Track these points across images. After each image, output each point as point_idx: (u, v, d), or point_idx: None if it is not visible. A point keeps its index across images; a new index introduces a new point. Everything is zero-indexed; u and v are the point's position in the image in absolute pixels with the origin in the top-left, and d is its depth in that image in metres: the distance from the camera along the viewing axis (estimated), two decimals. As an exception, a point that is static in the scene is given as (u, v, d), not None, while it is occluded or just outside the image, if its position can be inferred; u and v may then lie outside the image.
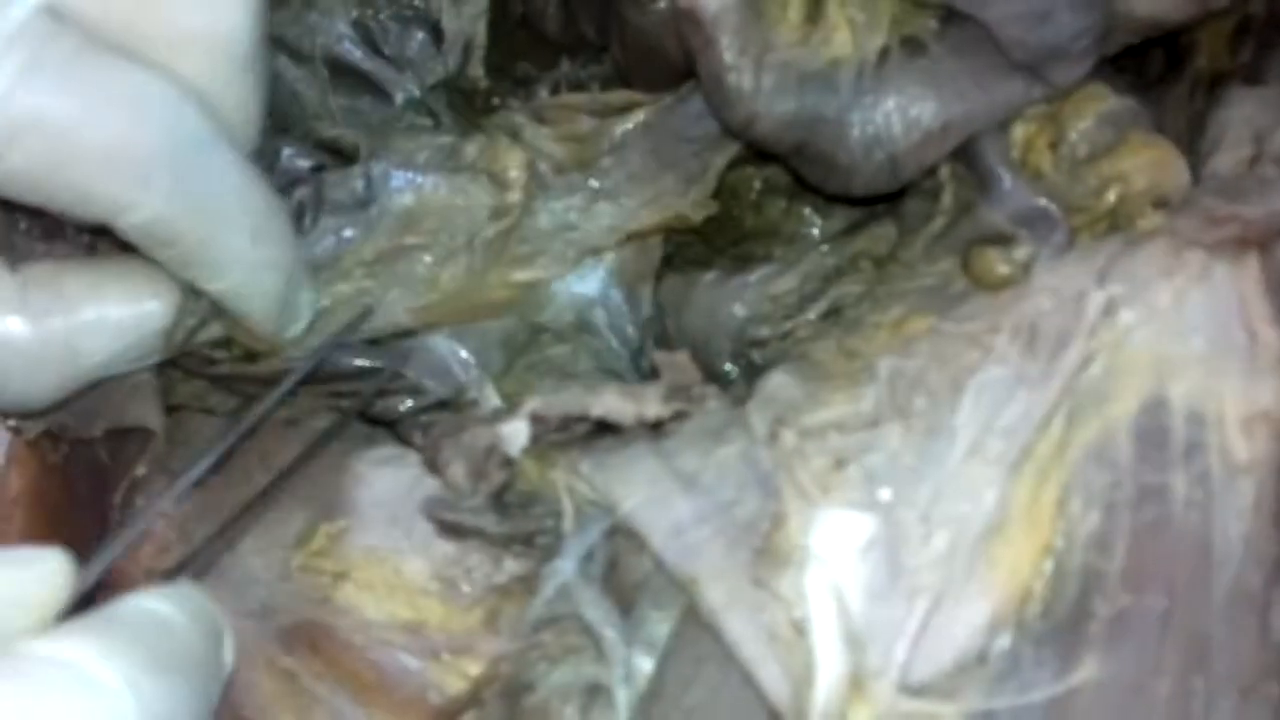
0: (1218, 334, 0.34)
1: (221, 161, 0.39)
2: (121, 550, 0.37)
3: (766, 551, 0.35)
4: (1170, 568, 0.32)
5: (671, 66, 0.48)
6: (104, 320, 0.40)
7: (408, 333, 0.47)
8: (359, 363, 0.45)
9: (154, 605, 0.34)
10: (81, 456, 0.46)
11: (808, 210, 0.52)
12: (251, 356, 0.44)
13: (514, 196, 0.46)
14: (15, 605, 0.32)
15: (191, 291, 0.41)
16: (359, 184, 0.46)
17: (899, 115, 0.44)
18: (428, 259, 0.46)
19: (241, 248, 0.40)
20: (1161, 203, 0.43)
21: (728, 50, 0.44)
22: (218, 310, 0.42)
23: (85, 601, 0.34)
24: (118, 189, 0.36)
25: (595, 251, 0.48)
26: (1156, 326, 0.35)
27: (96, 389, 0.44)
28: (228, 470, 0.44)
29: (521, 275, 0.47)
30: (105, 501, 0.46)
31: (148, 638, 0.33)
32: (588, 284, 0.48)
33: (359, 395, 0.45)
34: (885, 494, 0.35)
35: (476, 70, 0.55)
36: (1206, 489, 0.33)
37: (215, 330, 0.43)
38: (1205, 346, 0.34)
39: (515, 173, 0.46)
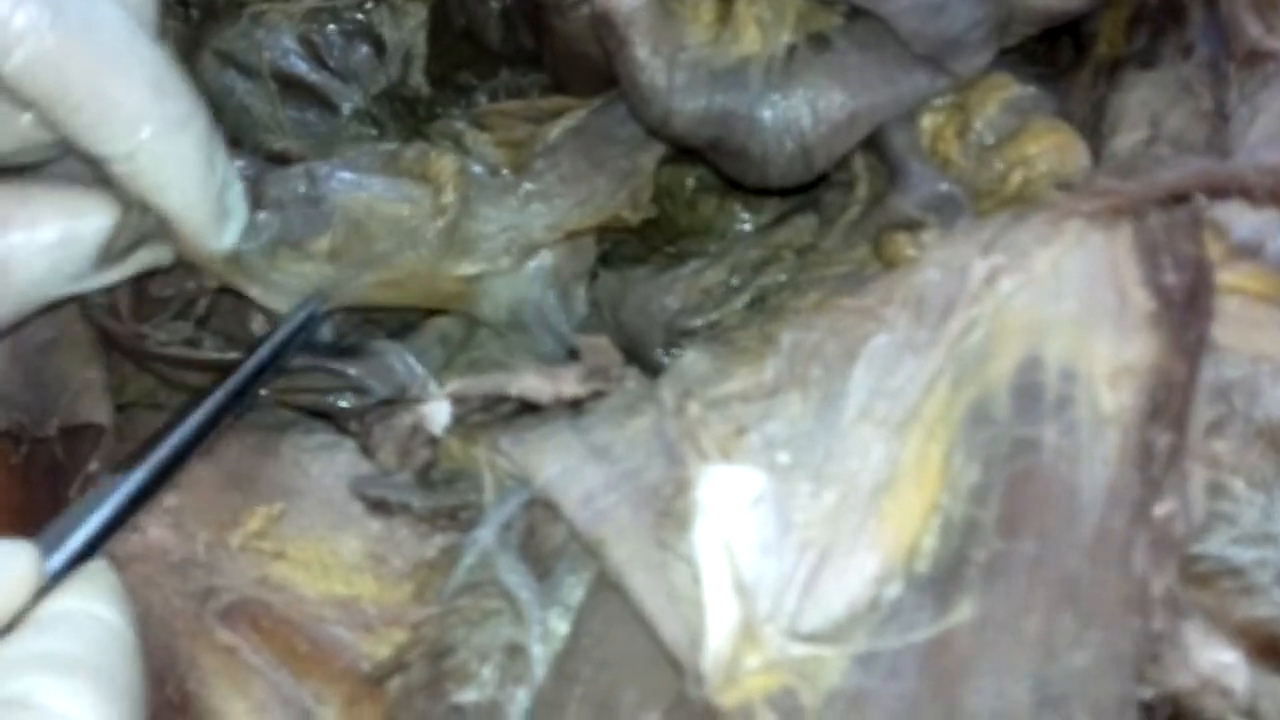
0: (1090, 296, 0.36)
1: (105, 2, 0.38)
2: (81, 545, 0.38)
3: (669, 514, 0.37)
4: (1041, 513, 0.34)
5: (598, 71, 0.50)
6: (34, 238, 0.40)
7: (365, 324, 0.49)
8: (306, 362, 0.47)
9: (98, 611, 0.35)
10: (40, 456, 0.47)
11: (738, 207, 0.54)
12: (192, 342, 0.45)
13: (448, 197, 0.48)
14: None
15: (131, 206, 0.41)
16: (300, 183, 0.47)
17: (808, 108, 0.46)
18: (382, 249, 0.47)
19: (142, 100, 0.38)
20: (1064, 185, 0.44)
21: (641, 49, 0.46)
22: (154, 226, 0.42)
23: None
24: None
25: (535, 247, 0.49)
26: (1034, 291, 0.37)
27: (47, 388, 0.45)
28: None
29: (467, 269, 0.48)
30: (62, 499, 0.46)
31: (101, 659, 0.34)
32: (523, 283, 0.50)
33: (306, 391, 0.47)
34: (783, 458, 0.37)
35: (418, 79, 0.57)
36: (1075, 439, 0.35)
37: (155, 254, 0.43)
38: (1078, 308, 0.36)
39: (447, 177, 0.48)
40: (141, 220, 0.42)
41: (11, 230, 0.39)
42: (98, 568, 0.37)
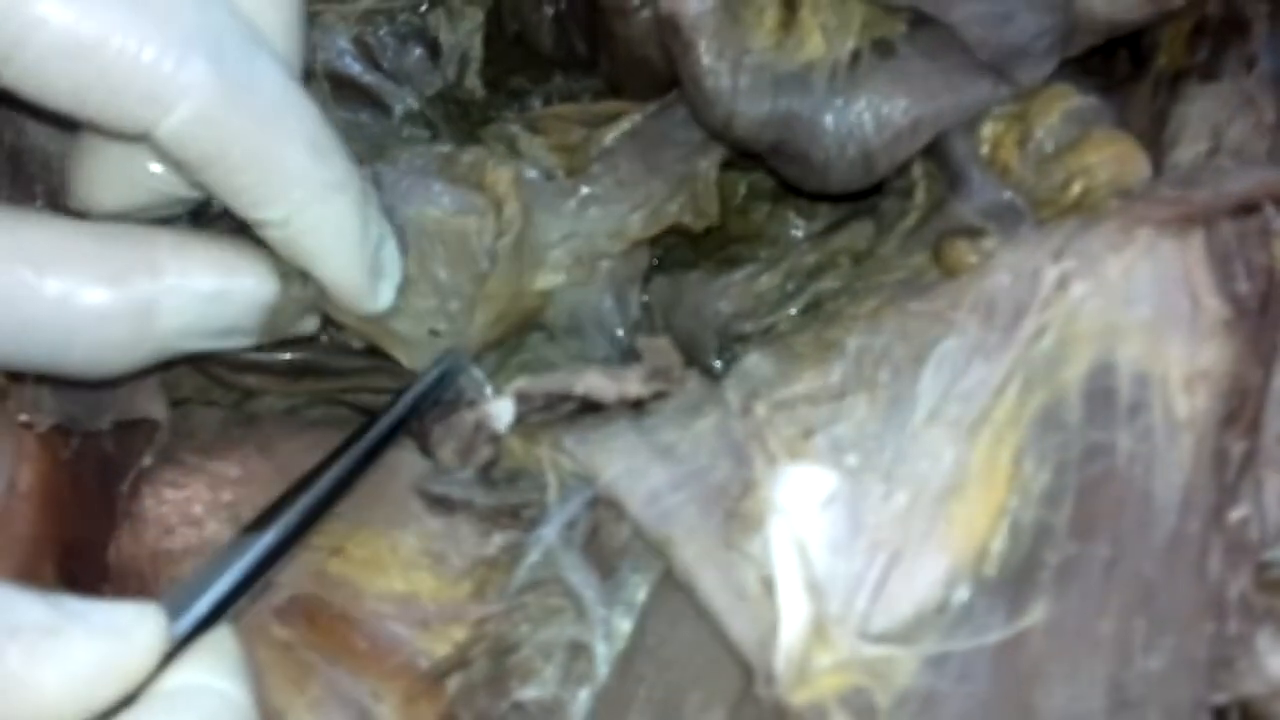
0: (1163, 302, 0.36)
1: (266, 61, 0.36)
2: (208, 610, 0.36)
3: (737, 515, 0.37)
4: (1115, 518, 0.34)
5: (657, 75, 0.51)
6: (187, 286, 0.38)
7: None
8: (364, 364, 0.47)
9: (223, 688, 0.33)
10: (90, 451, 0.47)
11: (791, 213, 0.54)
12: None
13: (510, 210, 0.48)
14: (105, 677, 0.31)
15: (291, 276, 0.40)
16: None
17: (871, 114, 0.46)
18: (463, 280, 0.47)
19: (299, 163, 0.37)
20: (1124, 195, 0.44)
21: (706, 53, 0.46)
22: (316, 296, 0.41)
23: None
24: (148, 79, 0.33)
25: (601, 256, 0.49)
26: (1106, 297, 0.37)
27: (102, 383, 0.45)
28: (228, 456, 0.46)
29: (544, 282, 0.48)
30: (112, 494, 0.47)
31: None
32: (583, 287, 0.50)
33: (364, 390, 0.47)
34: (851, 460, 0.37)
35: (473, 82, 0.57)
36: (1149, 444, 0.35)
37: (309, 322, 0.42)
38: (1151, 314, 0.36)
39: (504, 188, 0.48)
40: (303, 291, 0.41)
41: (165, 275, 0.38)
42: (222, 637, 0.35)
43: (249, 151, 0.35)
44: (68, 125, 0.39)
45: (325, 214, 0.38)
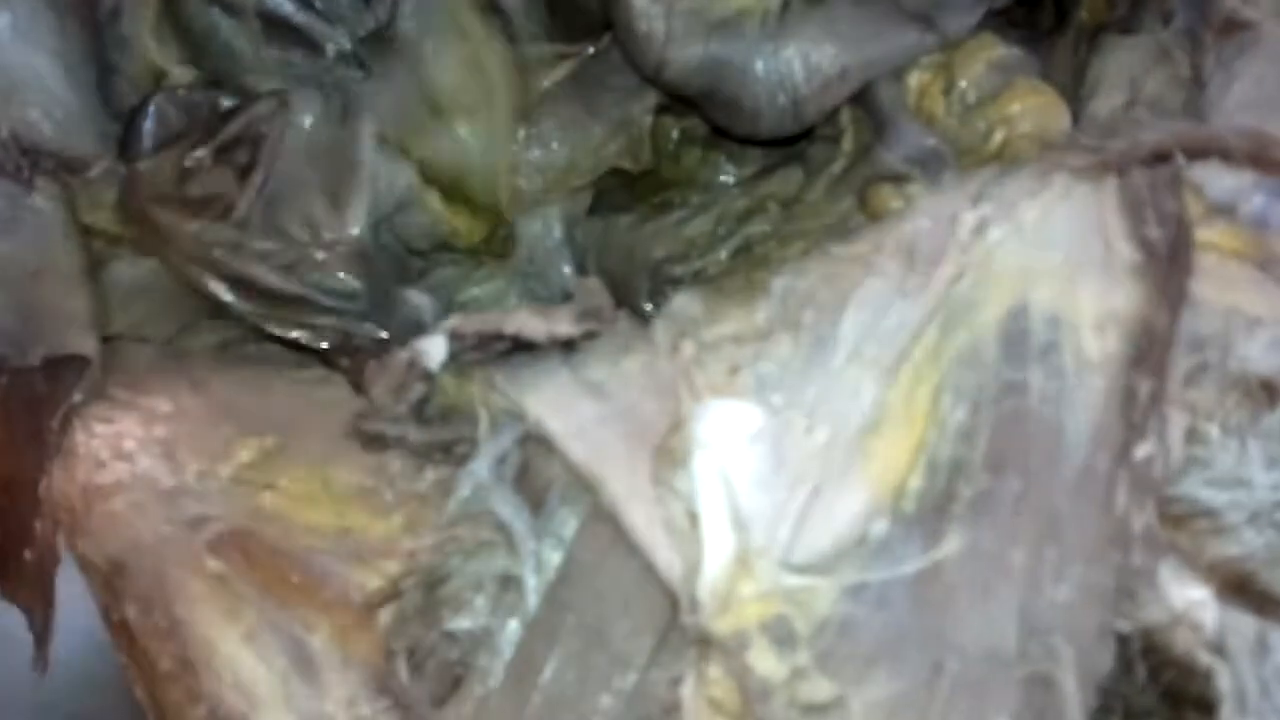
0: (1077, 247, 0.38)
1: None
2: None
3: (664, 450, 0.38)
4: (1026, 453, 0.35)
5: (591, 19, 0.51)
6: None
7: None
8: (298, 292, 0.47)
9: None
10: (20, 387, 0.47)
11: (722, 159, 0.55)
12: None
13: None
14: None
15: None
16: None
17: (801, 61, 0.47)
18: None
19: None
20: (1045, 145, 0.46)
21: (640, -2, 0.46)
22: None
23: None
24: None
25: (540, 203, 0.50)
26: (1021, 241, 0.38)
27: (31, 317, 0.45)
28: (160, 391, 0.46)
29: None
30: (42, 430, 0.46)
31: None
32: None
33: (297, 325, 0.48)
34: (776, 398, 0.38)
35: (406, 25, 0.56)
36: (1061, 383, 0.36)
37: None
38: (1064, 258, 0.37)
39: None
40: None
41: None
42: None
43: None
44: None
45: None
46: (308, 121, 0.49)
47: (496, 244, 0.52)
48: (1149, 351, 0.36)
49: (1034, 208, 0.38)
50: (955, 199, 0.39)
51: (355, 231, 0.47)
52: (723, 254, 0.52)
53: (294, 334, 0.47)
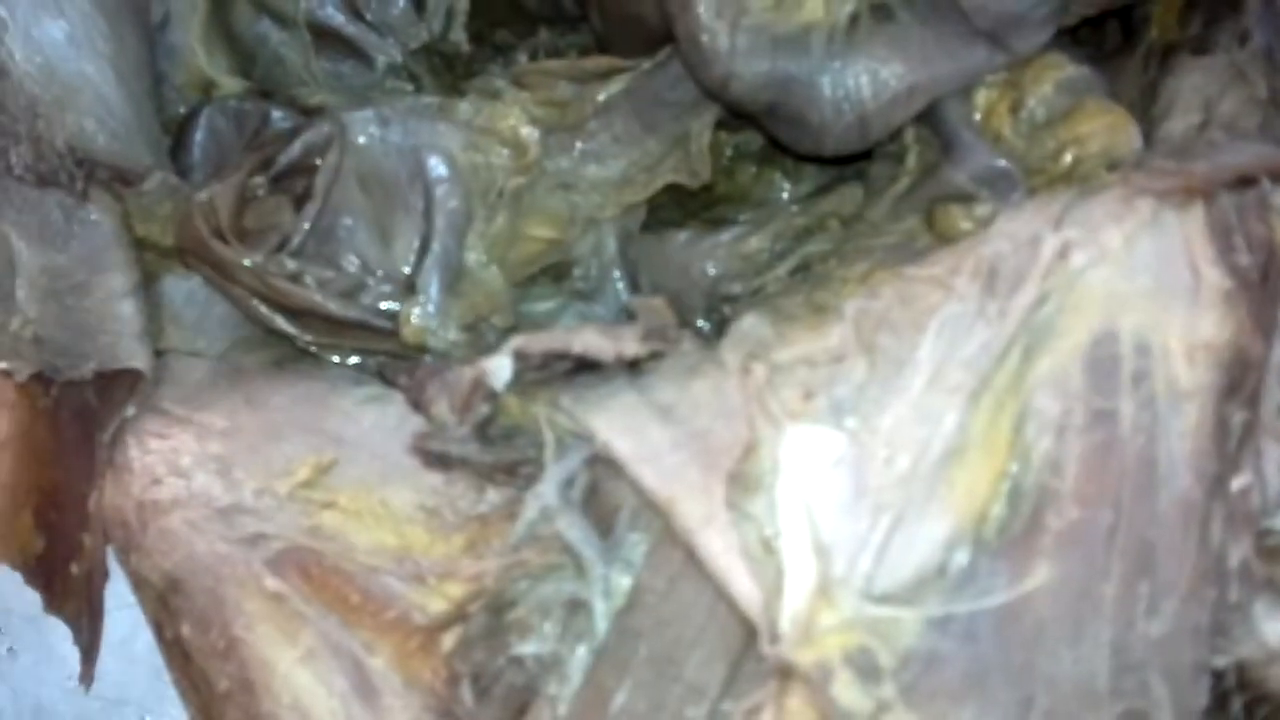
0: (1164, 273, 0.37)
1: None
2: None
3: (738, 476, 0.37)
4: (1118, 484, 0.35)
5: (649, 32, 0.50)
6: None
7: None
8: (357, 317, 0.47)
9: None
10: (71, 399, 0.46)
11: (778, 175, 0.54)
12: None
13: (533, 154, 0.48)
14: None
15: None
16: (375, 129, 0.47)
17: (868, 78, 0.46)
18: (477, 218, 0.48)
19: None
20: (1115, 165, 0.45)
21: (705, 12, 0.46)
22: None
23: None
24: None
25: (595, 221, 0.49)
26: (1107, 267, 0.37)
27: (82, 329, 0.45)
28: (215, 407, 0.45)
29: (541, 231, 0.48)
30: (93, 444, 0.46)
31: None
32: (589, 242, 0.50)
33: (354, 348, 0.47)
34: (851, 422, 0.37)
35: (458, 36, 0.56)
36: (1152, 413, 0.35)
37: None
38: (1152, 284, 0.37)
39: (527, 130, 0.48)
40: None
41: None
42: None
43: None
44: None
45: None
46: (362, 142, 0.49)
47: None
48: (1242, 381, 0.35)
49: (1119, 233, 0.37)
50: (1035, 222, 0.39)
51: (406, 270, 0.47)
52: (781, 271, 0.51)
53: (354, 360, 0.46)
